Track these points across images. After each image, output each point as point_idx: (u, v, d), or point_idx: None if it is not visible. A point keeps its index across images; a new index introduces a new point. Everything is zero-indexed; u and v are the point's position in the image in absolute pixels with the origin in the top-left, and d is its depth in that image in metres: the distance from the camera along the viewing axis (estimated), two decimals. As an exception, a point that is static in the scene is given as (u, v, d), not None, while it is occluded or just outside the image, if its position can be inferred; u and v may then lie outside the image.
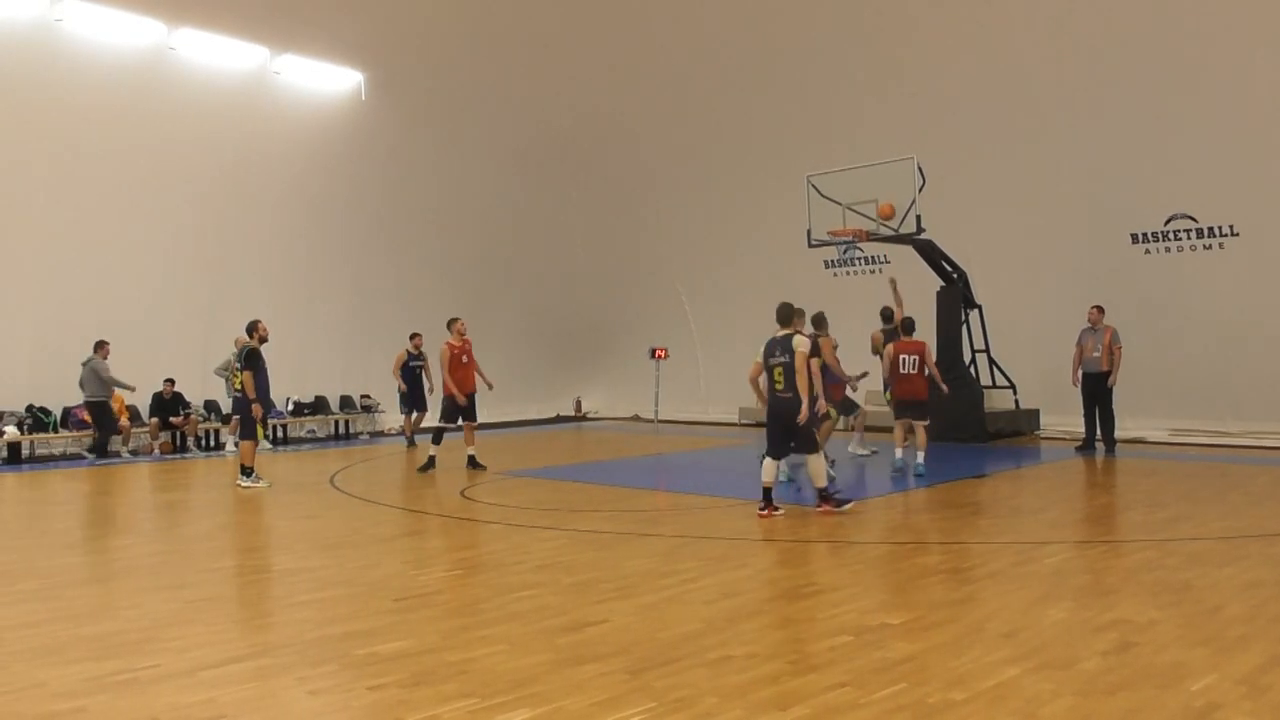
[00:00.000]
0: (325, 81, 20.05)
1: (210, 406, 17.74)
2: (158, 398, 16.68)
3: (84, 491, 12.61)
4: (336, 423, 19.75)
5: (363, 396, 20.24)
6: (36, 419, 16.01)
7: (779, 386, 9.08)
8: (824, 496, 9.22)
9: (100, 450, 15.74)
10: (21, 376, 15.96)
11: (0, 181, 15.89)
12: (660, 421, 19.23)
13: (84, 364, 15.62)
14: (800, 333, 9.31)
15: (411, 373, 16.74)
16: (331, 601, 6.40)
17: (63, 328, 16.17)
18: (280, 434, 18.48)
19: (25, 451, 15.78)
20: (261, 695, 4.55)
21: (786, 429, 9.07)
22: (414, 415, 16.92)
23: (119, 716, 4.28)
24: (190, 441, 16.92)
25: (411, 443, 16.67)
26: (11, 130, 15.95)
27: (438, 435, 13.32)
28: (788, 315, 9.32)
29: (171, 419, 16.68)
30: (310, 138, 19.89)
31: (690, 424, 20.01)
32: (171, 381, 16.62)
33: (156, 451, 16.44)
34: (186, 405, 16.80)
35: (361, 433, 19.81)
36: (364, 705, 4.46)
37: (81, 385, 15.66)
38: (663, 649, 5.12)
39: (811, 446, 9.15)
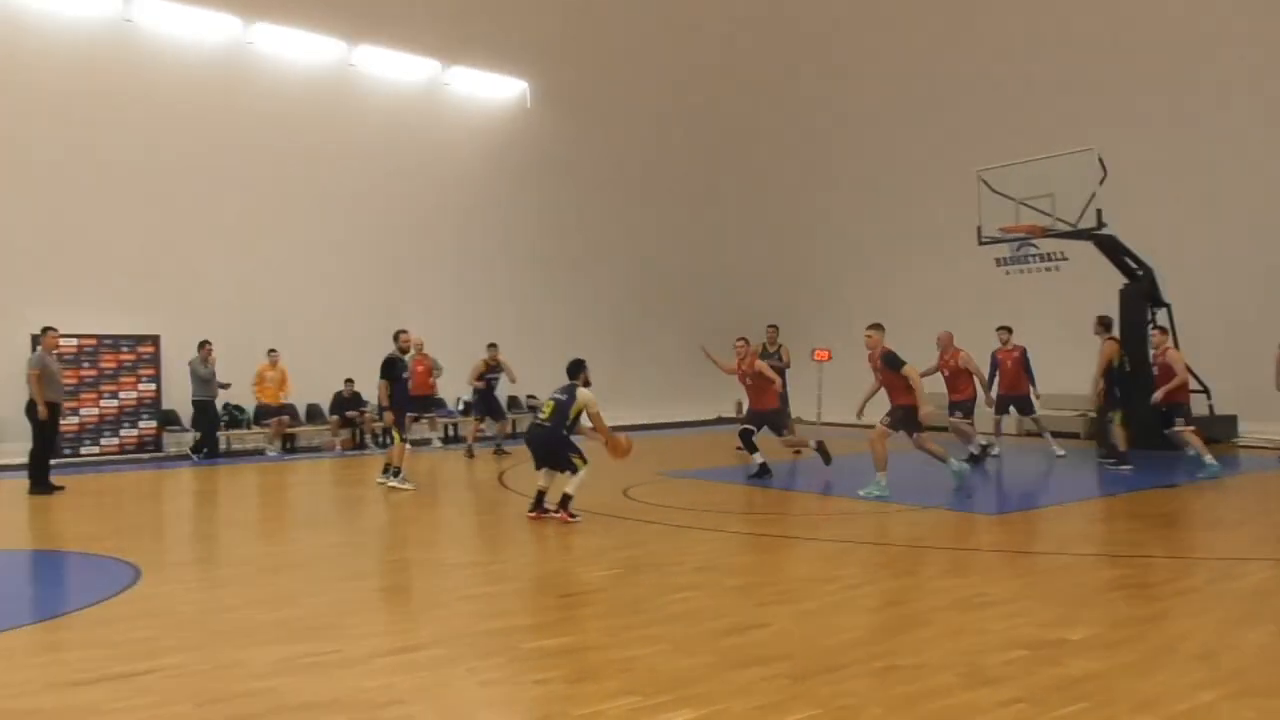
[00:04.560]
0: (492, 90, 20.92)
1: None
2: (338, 396, 17.59)
3: (273, 486, 13.42)
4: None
5: (529, 397, 20.76)
6: (232, 416, 17.18)
7: (543, 416, 9.50)
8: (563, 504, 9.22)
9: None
10: (218, 377, 17.14)
11: (197, 190, 17.20)
12: (822, 424, 18.88)
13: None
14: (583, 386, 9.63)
15: (487, 384, 16.26)
16: (500, 596, 6.59)
17: (251, 330, 17.29)
18: (452, 433, 19.17)
19: (222, 446, 16.94)
20: (435, 684, 4.72)
21: (546, 453, 9.50)
22: (484, 422, 16.52)
23: (305, 697, 4.52)
24: (368, 438, 17.74)
25: (471, 453, 15.99)
26: (210, 138, 17.36)
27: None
28: (575, 370, 9.79)
29: (348, 414, 17.56)
30: (478, 145, 20.76)
31: (854, 427, 19.59)
32: (350, 381, 17.50)
33: (338, 448, 17.31)
34: (364, 403, 17.63)
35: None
36: (531, 698, 4.57)
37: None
38: (826, 655, 5.02)
39: (570, 467, 9.34)
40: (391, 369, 12.13)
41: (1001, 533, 8.59)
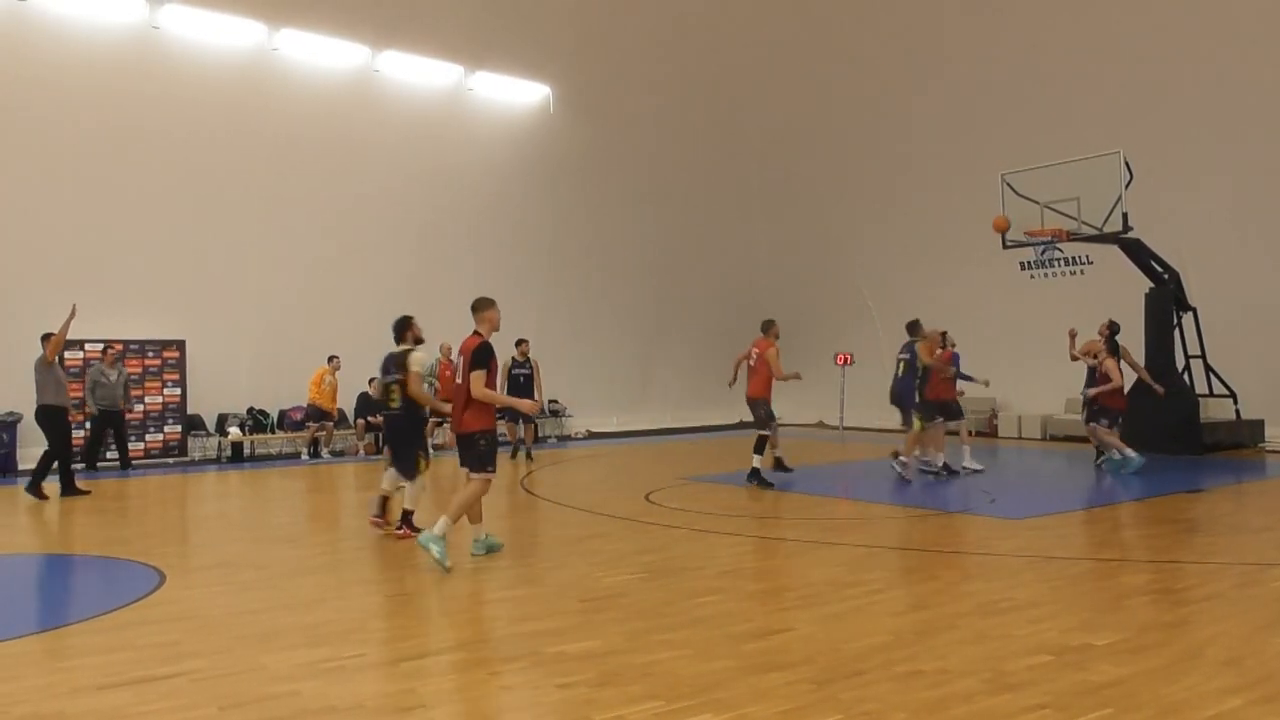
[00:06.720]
0: (515, 95, 21.09)
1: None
2: (363, 398, 17.60)
3: (297, 489, 13.51)
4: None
5: (550, 401, 20.80)
6: (256, 420, 17.30)
7: (393, 403, 8.95)
8: (405, 520, 8.84)
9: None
10: (243, 381, 17.30)
11: (222, 193, 17.37)
12: (845, 429, 18.82)
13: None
14: (414, 350, 8.97)
15: (515, 381, 15.65)
16: (522, 600, 6.60)
17: (277, 336, 17.43)
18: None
19: (246, 451, 17.05)
20: (457, 688, 4.74)
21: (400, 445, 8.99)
22: (520, 425, 16.15)
23: (328, 701, 4.55)
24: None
25: (516, 453, 15.98)
26: (235, 143, 17.55)
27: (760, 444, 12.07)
28: (401, 328, 9.10)
29: (370, 419, 17.61)
30: (501, 149, 20.92)
31: (876, 431, 19.55)
32: (373, 380, 17.55)
33: (361, 452, 17.38)
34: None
35: (549, 436, 20.36)
36: (553, 702, 4.57)
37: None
38: (849, 660, 5.01)
39: (410, 471, 8.85)
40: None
41: (1025, 537, 8.53)
